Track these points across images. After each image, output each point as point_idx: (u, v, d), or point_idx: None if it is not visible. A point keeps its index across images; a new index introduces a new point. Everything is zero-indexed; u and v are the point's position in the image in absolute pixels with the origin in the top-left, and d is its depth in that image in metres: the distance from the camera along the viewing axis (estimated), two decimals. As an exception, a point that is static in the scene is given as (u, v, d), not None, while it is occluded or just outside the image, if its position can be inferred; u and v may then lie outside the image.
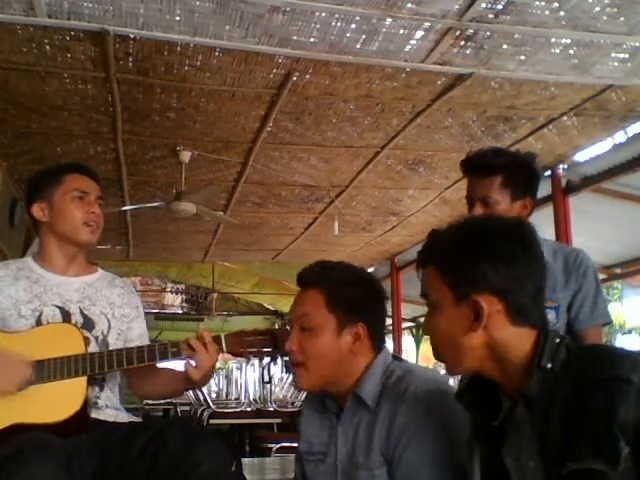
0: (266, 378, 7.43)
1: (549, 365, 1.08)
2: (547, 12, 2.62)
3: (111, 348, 1.81)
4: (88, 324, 1.81)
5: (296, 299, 1.54)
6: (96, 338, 1.81)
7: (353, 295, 1.48)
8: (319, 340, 1.46)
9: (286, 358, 1.63)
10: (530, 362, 1.09)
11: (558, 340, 1.11)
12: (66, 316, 1.80)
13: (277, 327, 11.75)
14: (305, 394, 1.75)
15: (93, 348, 1.77)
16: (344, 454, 1.48)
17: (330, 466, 1.50)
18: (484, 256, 1.11)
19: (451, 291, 1.14)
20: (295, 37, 2.76)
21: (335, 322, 1.46)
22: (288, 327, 1.56)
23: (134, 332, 1.92)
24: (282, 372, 8.06)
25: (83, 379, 1.65)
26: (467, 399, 1.25)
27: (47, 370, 1.63)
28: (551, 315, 2.01)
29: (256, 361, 8.19)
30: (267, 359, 2.09)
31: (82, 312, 1.82)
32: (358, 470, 1.43)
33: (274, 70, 3.11)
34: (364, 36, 2.77)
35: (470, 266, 1.12)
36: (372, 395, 1.45)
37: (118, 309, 1.91)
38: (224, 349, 1.77)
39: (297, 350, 1.48)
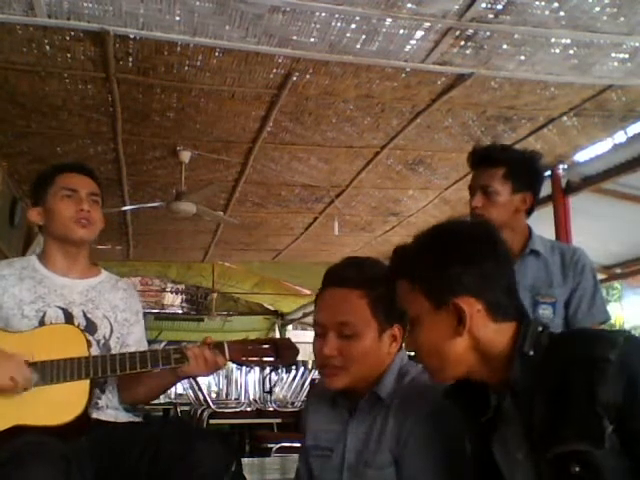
0: (267, 387, 7.41)
1: (531, 352, 1.08)
2: (547, 12, 2.62)
3: (112, 352, 1.80)
4: (90, 327, 1.81)
5: (329, 301, 1.47)
6: (98, 342, 1.81)
7: (390, 296, 1.43)
8: (361, 344, 1.42)
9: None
10: (512, 351, 1.10)
11: (540, 329, 1.11)
12: (69, 318, 1.79)
13: (277, 327, 11.77)
14: (307, 392, 1.76)
15: (94, 351, 1.75)
16: (353, 450, 1.47)
17: (337, 461, 1.50)
18: (454, 259, 1.12)
19: (428, 300, 1.14)
20: (295, 37, 2.76)
21: (377, 326, 1.44)
22: (317, 328, 1.48)
23: (132, 337, 1.92)
24: (282, 372, 8.05)
25: (86, 382, 1.64)
26: (454, 399, 1.25)
27: (50, 372, 1.61)
28: (548, 311, 2.02)
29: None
30: (269, 368, 2.12)
31: (85, 315, 1.82)
32: (366, 468, 1.43)
33: (274, 70, 3.11)
34: (364, 36, 2.77)
35: (442, 271, 1.12)
36: (387, 393, 1.46)
37: (121, 313, 1.90)
38: (227, 356, 1.76)
39: (336, 355, 1.43)
